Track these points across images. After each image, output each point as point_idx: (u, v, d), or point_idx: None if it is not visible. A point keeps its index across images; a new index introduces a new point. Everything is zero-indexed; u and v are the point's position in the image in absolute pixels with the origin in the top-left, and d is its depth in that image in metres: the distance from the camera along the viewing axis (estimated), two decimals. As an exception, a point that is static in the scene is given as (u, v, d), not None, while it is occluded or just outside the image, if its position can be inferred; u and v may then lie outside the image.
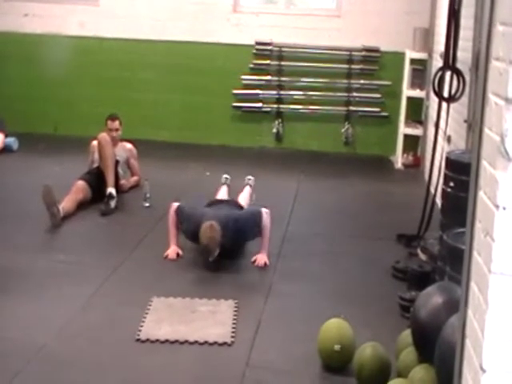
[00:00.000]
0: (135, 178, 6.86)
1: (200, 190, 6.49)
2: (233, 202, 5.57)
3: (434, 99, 5.96)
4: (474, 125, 2.26)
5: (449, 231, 3.96)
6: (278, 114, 8.67)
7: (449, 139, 5.94)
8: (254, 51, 8.54)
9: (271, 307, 4.38)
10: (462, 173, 4.17)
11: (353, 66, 8.46)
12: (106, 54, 8.80)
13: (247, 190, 6.07)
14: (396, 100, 8.24)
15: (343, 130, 8.58)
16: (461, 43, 5.02)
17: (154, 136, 8.61)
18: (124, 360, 3.72)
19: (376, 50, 8.38)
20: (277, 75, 8.58)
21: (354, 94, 8.52)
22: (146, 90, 8.75)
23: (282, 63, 8.53)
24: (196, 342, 3.89)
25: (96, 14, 8.73)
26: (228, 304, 4.37)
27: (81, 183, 6.18)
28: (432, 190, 5.45)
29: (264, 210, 5.06)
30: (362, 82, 8.49)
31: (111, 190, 6.11)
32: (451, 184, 4.40)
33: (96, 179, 6.24)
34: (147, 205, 6.21)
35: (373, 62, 8.44)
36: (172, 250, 5.11)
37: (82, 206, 6.06)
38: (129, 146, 6.89)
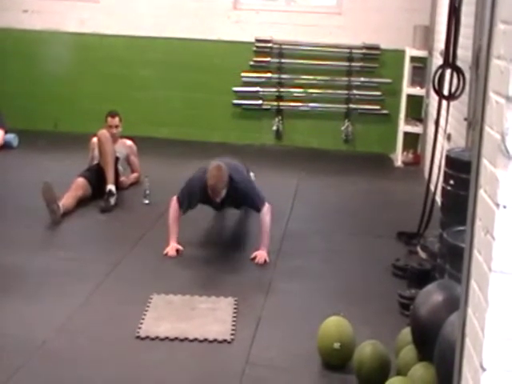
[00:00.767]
0: (135, 175, 6.85)
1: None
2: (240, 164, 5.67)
3: (434, 97, 5.95)
4: (475, 123, 2.26)
5: (449, 229, 3.97)
6: (278, 112, 8.67)
7: (449, 137, 5.94)
8: (254, 48, 8.53)
9: (271, 305, 4.38)
10: (462, 171, 4.17)
11: (353, 64, 8.45)
12: (106, 50, 8.78)
13: None
14: (396, 98, 8.24)
15: (343, 128, 8.58)
16: (461, 41, 5.02)
17: (154, 133, 8.61)
18: (124, 357, 3.73)
19: (376, 48, 8.37)
20: (277, 72, 8.57)
21: (354, 92, 8.52)
22: (146, 86, 8.75)
23: (283, 60, 8.53)
24: (196, 339, 3.90)
25: (96, 11, 8.71)
26: (228, 301, 4.37)
27: (81, 180, 6.18)
28: (432, 187, 5.45)
29: (266, 206, 5.07)
30: (362, 79, 8.49)
31: (111, 186, 6.11)
32: (451, 182, 4.40)
33: (96, 176, 6.24)
34: (147, 202, 6.21)
35: (373, 60, 8.44)
36: (172, 248, 5.11)
37: (81, 202, 6.06)
38: (129, 142, 6.89)
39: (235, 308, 4.28)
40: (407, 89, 7.95)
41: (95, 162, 6.47)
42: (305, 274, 4.89)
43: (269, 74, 8.58)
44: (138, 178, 6.81)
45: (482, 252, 2.09)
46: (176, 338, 3.89)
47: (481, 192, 2.14)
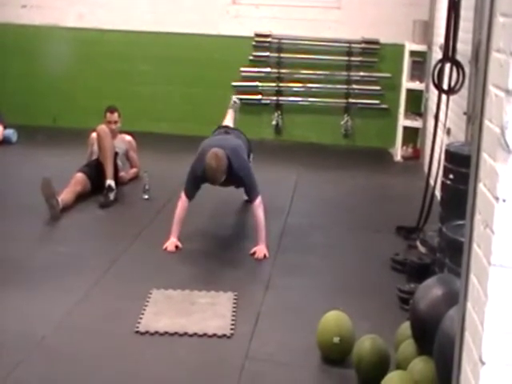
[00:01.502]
0: (134, 170, 6.85)
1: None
2: (237, 133, 5.70)
3: (434, 91, 5.95)
4: (474, 117, 2.26)
5: (448, 223, 3.96)
6: (278, 106, 8.66)
7: (448, 131, 5.93)
8: (254, 43, 8.52)
9: (270, 299, 4.38)
10: (462, 165, 4.17)
11: (352, 58, 8.44)
12: (105, 46, 8.77)
13: (232, 113, 6.15)
14: (395, 92, 8.23)
15: (342, 123, 8.57)
16: (460, 35, 5.01)
17: (153, 128, 8.60)
18: (123, 352, 3.73)
19: (376, 42, 8.36)
20: (276, 67, 8.56)
21: (354, 86, 8.51)
22: (145, 82, 8.74)
23: (282, 55, 8.51)
24: (195, 334, 3.90)
25: (95, 6, 8.69)
26: (227, 296, 4.37)
27: (80, 175, 6.18)
28: (431, 182, 5.45)
29: (259, 199, 5.06)
30: (361, 74, 8.48)
31: (110, 182, 6.10)
32: (451, 176, 4.40)
33: (95, 171, 6.23)
34: (146, 197, 6.20)
35: (372, 54, 8.42)
36: (171, 243, 5.10)
37: (81, 198, 6.05)
38: (128, 137, 6.88)
39: (235, 303, 4.28)
40: (407, 83, 7.94)
41: (94, 157, 6.47)
42: (304, 269, 4.89)
43: (268, 69, 8.57)
44: (137, 173, 6.81)
45: (482, 246, 2.09)
46: (175, 333, 3.90)
47: (480, 186, 2.14)
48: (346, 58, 8.44)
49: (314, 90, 8.51)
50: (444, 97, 5.39)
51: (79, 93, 8.83)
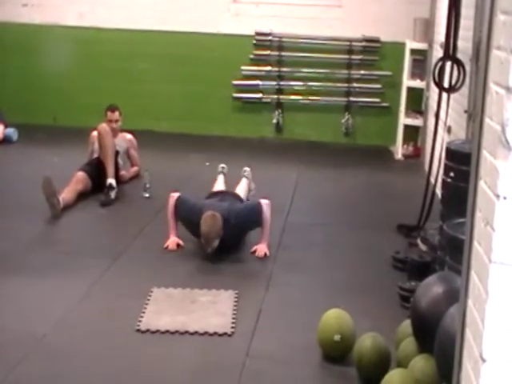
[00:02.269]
0: (135, 169, 6.85)
1: (200, 180, 6.49)
2: (232, 194, 5.56)
3: (435, 89, 5.94)
4: (475, 115, 2.26)
5: (449, 221, 3.96)
6: (278, 105, 8.66)
7: (449, 129, 5.93)
8: (254, 42, 8.52)
9: (271, 297, 4.38)
10: (462, 163, 4.16)
11: (353, 57, 8.44)
12: (105, 44, 8.77)
13: (244, 182, 6.04)
14: (396, 90, 8.22)
15: (343, 121, 8.57)
16: (461, 33, 5.00)
17: (153, 127, 8.61)
18: (124, 350, 3.73)
19: (376, 41, 8.36)
20: (277, 66, 8.56)
21: (354, 85, 8.51)
22: (145, 80, 8.74)
23: (282, 54, 8.52)
24: (196, 332, 3.90)
25: (95, 4, 8.69)
26: (228, 294, 4.37)
27: (81, 174, 6.18)
28: (432, 180, 5.45)
29: (264, 202, 5.06)
30: (362, 72, 8.48)
31: (111, 180, 6.10)
32: (451, 174, 4.40)
33: (96, 170, 6.23)
34: (147, 195, 6.21)
35: (373, 53, 8.42)
36: (172, 241, 5.11)
37: (82, 196, 6.06)
38: (129, 136, 6.88)
39: (235, 301, 4.28)
40: (407, 81, 7.94)
41: (95, 155, 6.47)
42: (305, 267, 4.89)
43: (269, 68, 8.57)
44: (137, 172, 6.81)
45: (482, 243, 2.09)
46: (176, 331, 3.90)
47: (481, 183, 2.14)
48: (347, 56, 8.44)
49: (314, 88, 8.51)
50: (445, 95, 5.38)
51: (80, 91, 8.83)
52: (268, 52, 8.53)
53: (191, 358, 3.70)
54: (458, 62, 5.04)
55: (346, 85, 8.52)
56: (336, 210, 6.16)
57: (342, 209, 6.20)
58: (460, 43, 5.03)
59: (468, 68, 5.06)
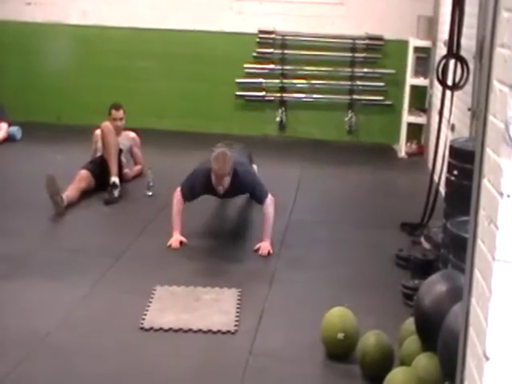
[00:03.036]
0: (138, 167, 6.86)
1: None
2: (238, 149, 5.67)
3: (438, 87, 5.94)
4: (478, 112, 2.25)
5: (452, 219, 3.96)
6: (282, 103, 8.66)
7: (452, 127, 5.92)
8: (257, 40, 8.51)
9: (275, 295, 4.38)
10: (466, 161, 4.16)
11: (356, 55, 8.44)
12: (108, 43, 8.77)
13: None
14: (399, 88, 8.21)
15: (346, 119, 8.56)
16: (465, 31, 4.99)
17: (156, 125, 8.61)
18: (127, 348, 3.73)
19: (379, 38, 8.35)
20: (280, 64, 8.56)
21: (358, 83, 8.50)
22: (148, 78, 8.74)
23: (285, 51, 8.51)
24: (199, 330, 3.90)
25: (97, 3, 8.70)
26: (231, 292, 4.37)
27: (84, 172, 6.18)
28: (436, 178, 5.44)
29: (269, 198, 5.08)
30: (365, 70, 8.47)
31: (115, 178, 6.11)
32: (455, 172, 4.39)
33: (99, 168, 6.24)
34: (150, 193, 6.21)
35: (376, 50, 8.41)
36: (175, 239, 5.11)
37: (85, 194, 6.06)
38: (132, 134, 6.88)
39: (239, 299, 4.28)
40: (411, 79, 7.93)
41: (98, 154, 6.47)
42: (308, 265, 4.89)
43: (272, 66, 8.57)
44: (141, 170, 6.81)
45: (486, 241, 2.09)
46: (180, 329, 3.90)
47: (484, 181, 2.14)
48: (350, 54, 8.44)
49: (317, 86, 8.50)
50: (448, 93, 5.37)
51: (83, 90, 8.84)
52: (271, 50, 8.53)
53: (194, 355, 3.70)
54: (461, 60, 5.04)
55: (349, 83, 8.51)
56: (339, 208, 6.16)
57: (345, 206, 6.20)
58: (464, 41, 5.03)
59: (472, 66, 5.05)
